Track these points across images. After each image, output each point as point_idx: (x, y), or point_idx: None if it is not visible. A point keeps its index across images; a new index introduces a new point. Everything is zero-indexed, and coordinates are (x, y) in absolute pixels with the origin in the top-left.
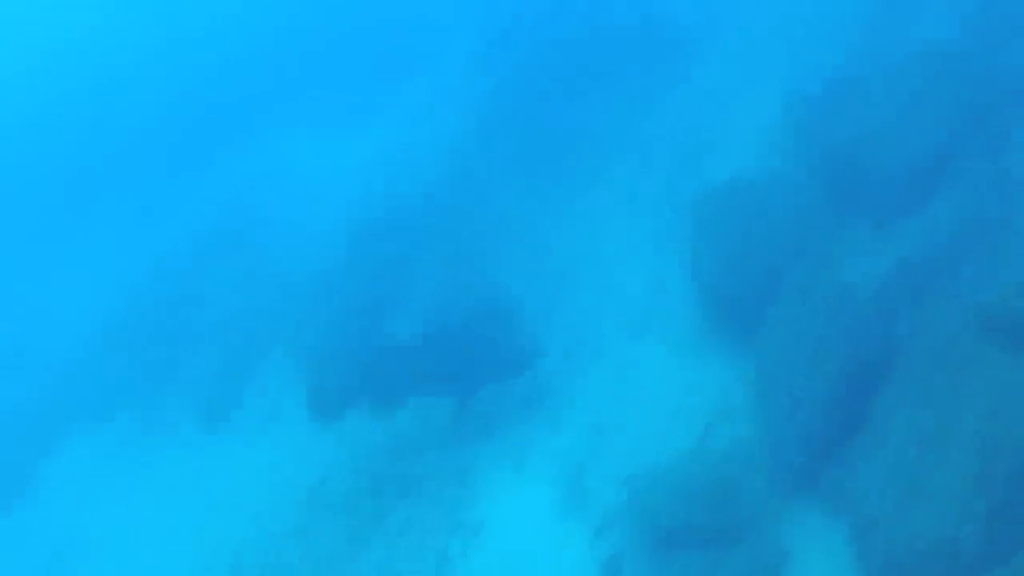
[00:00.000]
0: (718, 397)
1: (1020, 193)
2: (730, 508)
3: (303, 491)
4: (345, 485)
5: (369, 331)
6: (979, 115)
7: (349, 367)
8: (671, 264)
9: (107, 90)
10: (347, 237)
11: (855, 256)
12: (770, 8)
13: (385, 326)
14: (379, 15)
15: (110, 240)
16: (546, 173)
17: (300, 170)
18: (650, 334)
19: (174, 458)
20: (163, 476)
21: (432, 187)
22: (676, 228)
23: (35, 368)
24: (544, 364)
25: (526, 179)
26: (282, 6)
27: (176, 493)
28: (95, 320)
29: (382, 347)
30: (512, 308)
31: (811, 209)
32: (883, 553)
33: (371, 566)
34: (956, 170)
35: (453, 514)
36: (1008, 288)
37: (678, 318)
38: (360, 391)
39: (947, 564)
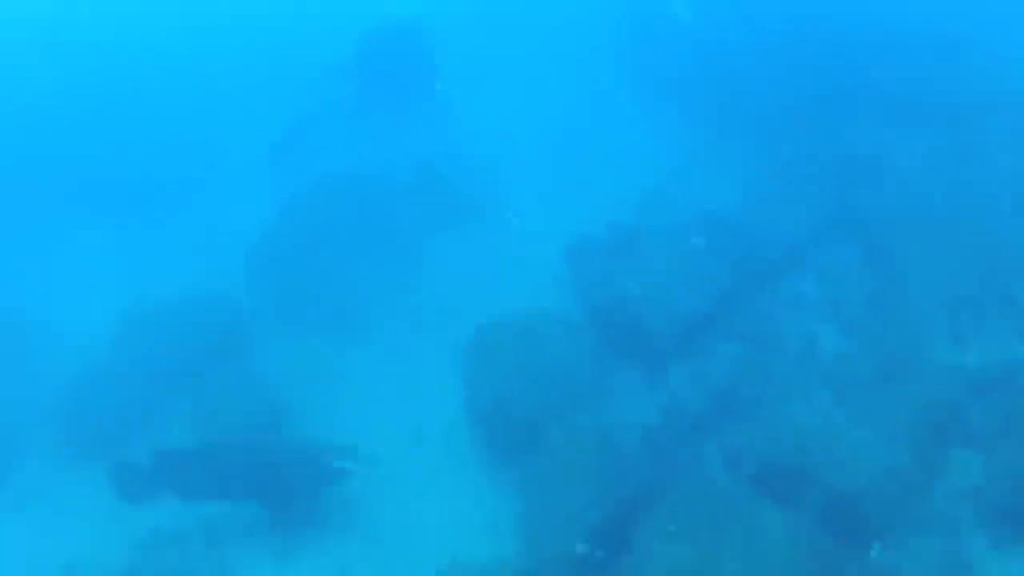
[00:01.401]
0: (485, 516)
1: (785, 351)
2: None
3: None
4: (98, 570)
5: (142, 420)
6: (752, 277)
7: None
8: (448, 392)
9: None
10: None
11: (626, 399)
12: (560, 156)
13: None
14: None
15: None
16: (327, 305)
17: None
18: (422, 457)
19: None
20: None
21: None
22: (454, 360)
23: None
24: (313, 476)
25: (306, 307)
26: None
27: None
28: None
29: (155, 437)
30: (290, 420)
31: (586, 352)
32: None
33: None
34: (727, 326)
35: None
36: (764, 440)
37: (450, 439)
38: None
39: None
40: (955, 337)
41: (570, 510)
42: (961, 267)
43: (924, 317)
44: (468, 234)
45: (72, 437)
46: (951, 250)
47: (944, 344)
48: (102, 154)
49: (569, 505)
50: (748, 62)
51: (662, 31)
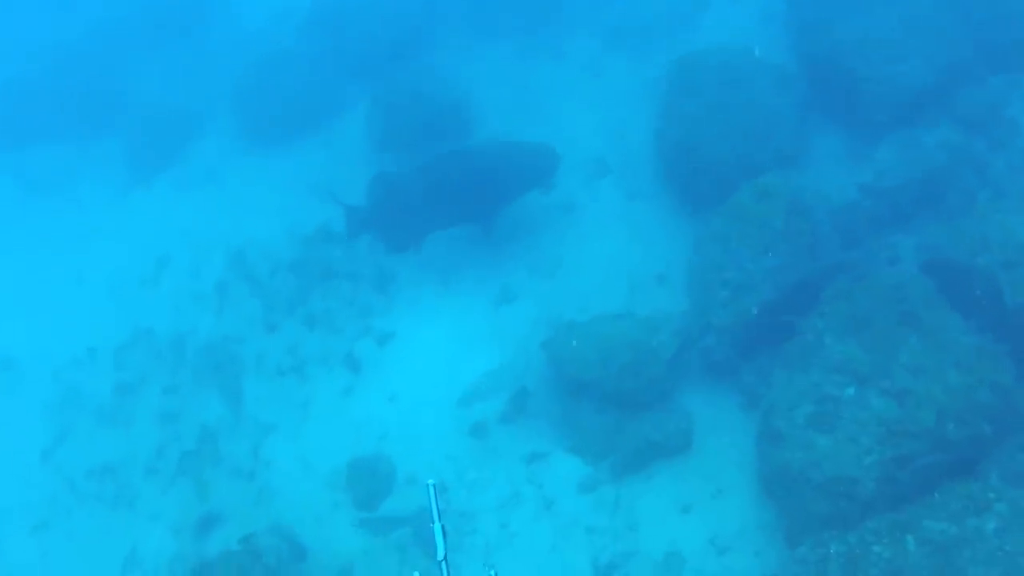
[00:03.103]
0: (657, 263)
1: (1012, 149)
2: (643, 375)
3: (223, 255)
4: (267, 261)
5: (320, 112)
6: (988, 55)
7: (297, 141)
8: (637, 126)
9: None
10: (304, 20)
11: (825, 167)
12: None
13: (333, 112)
14: None
15: None
16: (520, 13)
17: None
18: (602, 187)
19: (96, 200)
20: (82, 217)
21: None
22: (648, 93)
23: None
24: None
25: (499, 12)
26: None
27: (92, 238)
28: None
29: (333, 129)
30: (469, 129)
31: (791, 105)
32: (781, 468)
33: (273, 351)
34: (951, 108)
35: (364, 318)
36: (967, 243)
37: (633, 176)
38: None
39: (838, 499)
40: None
41: (744, 276)
42: None
43: None
44: None
45: (249, 122)
46: None
47: None
48: None
49: (744, 271)
50: None
51: None
